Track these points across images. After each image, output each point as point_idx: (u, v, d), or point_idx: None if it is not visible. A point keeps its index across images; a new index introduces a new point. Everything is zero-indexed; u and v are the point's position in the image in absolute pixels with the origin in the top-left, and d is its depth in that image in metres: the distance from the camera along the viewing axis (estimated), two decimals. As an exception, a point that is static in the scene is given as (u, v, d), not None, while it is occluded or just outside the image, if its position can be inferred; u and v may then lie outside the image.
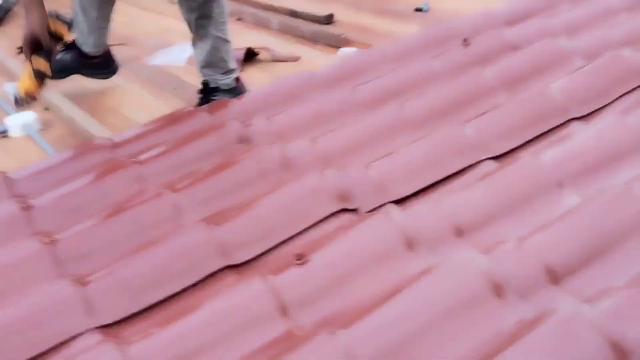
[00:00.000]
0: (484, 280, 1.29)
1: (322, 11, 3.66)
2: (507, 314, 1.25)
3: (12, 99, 3.04)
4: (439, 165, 1.78)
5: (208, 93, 2.67)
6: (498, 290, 1.28)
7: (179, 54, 3.24)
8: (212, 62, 2.62)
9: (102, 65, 2.83)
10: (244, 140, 2.10)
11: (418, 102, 2.12)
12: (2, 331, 1.42)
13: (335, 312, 1.35)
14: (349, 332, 1.25)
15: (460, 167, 1.76)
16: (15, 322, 1.44)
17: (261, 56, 3.35)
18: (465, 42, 2.51)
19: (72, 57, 2.75)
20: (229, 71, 2.67)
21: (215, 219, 1.66)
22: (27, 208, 1.91)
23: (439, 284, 1.31)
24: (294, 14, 3.82)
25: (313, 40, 3.48)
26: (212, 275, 1.54)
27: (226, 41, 2.63)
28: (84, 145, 2.29)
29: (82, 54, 2.73)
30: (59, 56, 2.74)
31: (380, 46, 2.64)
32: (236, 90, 2.66)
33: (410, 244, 1.49)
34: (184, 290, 1.51)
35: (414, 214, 1.56)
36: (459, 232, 1.50)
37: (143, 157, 2.08)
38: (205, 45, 2.59)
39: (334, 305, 1.38)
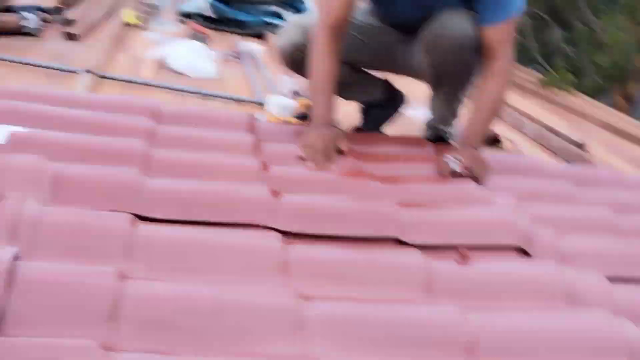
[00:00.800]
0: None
1: (577, 138, 3.76)
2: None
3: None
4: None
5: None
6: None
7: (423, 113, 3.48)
8: None
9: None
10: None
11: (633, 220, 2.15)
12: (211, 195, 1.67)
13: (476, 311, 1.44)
14: (480, 318, 1.33)
15: None
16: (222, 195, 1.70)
17: (504, 145, 3.49)
18: None
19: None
20: None
21: (406, 205, 1.82)
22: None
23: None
24: (550, 129, 3.94)
25: (557, 153, 3.57)
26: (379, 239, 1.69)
27: None
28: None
29: None
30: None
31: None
32: None
33: (567, 296, 1.54)
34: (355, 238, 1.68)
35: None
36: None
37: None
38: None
39: (476, 305, 1.47)
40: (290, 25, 2.73)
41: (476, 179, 2.25)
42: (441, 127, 2.86)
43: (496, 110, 2.46)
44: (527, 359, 1.30)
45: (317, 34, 2.40)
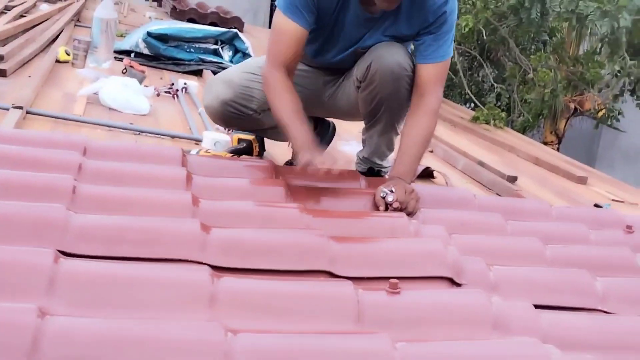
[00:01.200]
0: None
1: (507, 172, 3.84)
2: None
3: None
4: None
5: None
6: None
7: (356, 147, 3.52)
8: None
9: None
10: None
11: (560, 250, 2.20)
12: (138, 230, 1.64)
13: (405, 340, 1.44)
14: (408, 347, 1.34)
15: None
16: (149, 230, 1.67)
17: (436, 180, 3.54)
18: (629, 229, 2.56)
19: None
20: None
21: (337, 238, 1.82)
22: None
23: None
24: (481, 163, 4.02)
25: (488, 187, 3.64)
26: (312, 271, 1.68)
27: None
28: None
29: None
30: None
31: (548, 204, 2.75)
32: None
33: (495, 325, 1.55)
34: (285, 271, 1.67)
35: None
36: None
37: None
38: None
39: (405, 334, 1.47)
40: (215, 82, 2.74)
41: (409, 212, 2.27)
42: (376, 160, 2.89)
43: (426, 145, 2.51)
44: (455, 387, 1.30)
45: (269, 74, 2.42)
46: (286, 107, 2.38)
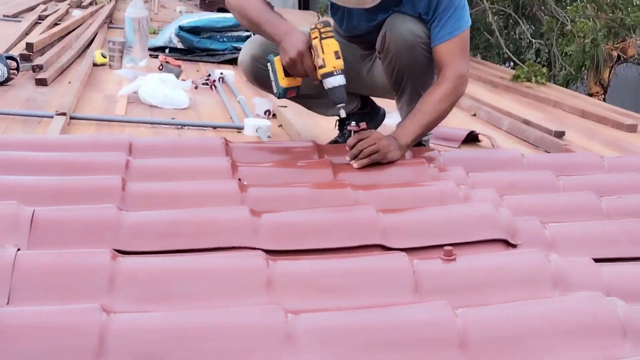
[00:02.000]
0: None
1: (554, 128, 3.78)
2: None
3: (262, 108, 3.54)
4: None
5: None
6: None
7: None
8: None
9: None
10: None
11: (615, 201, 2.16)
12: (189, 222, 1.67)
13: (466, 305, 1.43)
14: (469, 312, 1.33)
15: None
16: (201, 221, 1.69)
17: (482, 142, 3.50)
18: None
19: None
20: None
21: (387, 211, 1.81)
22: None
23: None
24: (526, 122, 3.96)
25: (535, 144, 3.59)
26: (365, 246, 1.69)
27: None
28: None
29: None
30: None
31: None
32: None
33: (555, 283, 1.54)
34: (338, 248, 1.67)
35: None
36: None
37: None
38: None
39: (465, 300, 1.46)
40: (249, 41, 2.75)
41: (364, 155, 2.23)
42: None
43: (437, 115, 2.43)
44: (521, 347, 1.29)
45: None
46: (256, 5, 2.37)
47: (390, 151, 2.27)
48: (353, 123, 2.31)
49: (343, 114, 2.32)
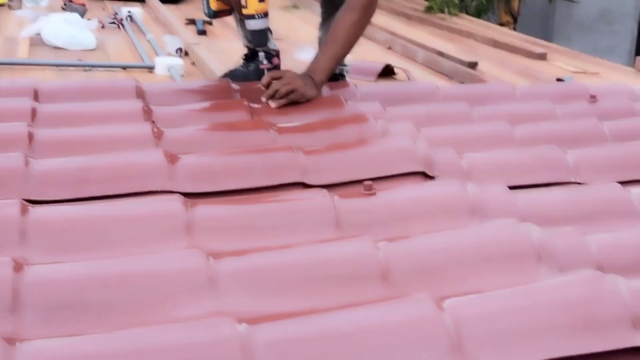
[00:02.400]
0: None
1: (467, 59, 3.82)
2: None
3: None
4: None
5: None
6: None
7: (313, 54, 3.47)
8: None
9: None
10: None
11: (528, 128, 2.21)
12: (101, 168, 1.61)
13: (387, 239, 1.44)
14: (390, 245, 1.34)
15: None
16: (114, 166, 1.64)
17: (398, 75, 3.51)
18: (593, 99, 2.57)
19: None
20: None
21: (306, 150, 1.80)
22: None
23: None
24: (440, 53, 3.99)
25: (450, 76, 3.62)
26: (285, 185, 1.67)
27: None
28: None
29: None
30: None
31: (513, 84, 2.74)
32: None
33: (473, 212, 1.57)
34: (257, 189, 1.65)
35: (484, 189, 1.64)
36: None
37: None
38: None
39: (386, 233, 1.47)
40: None
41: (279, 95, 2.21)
42: None
43: (348, 45, 2.41)
44: (441, 276, 1.31)
45: None
46: None
47: (306, 90, 2.24)
48: (265, 61, 2.27)
49: (262, 58, 2.27)
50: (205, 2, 2.38)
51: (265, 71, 2.27)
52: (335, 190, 1.65)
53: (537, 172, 1.89)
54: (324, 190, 1.60)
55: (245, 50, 2.84)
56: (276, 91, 2.21)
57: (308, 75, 2.31)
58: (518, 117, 2.32)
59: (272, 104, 2.20)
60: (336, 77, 2.85)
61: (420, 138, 1.97)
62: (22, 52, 3.39)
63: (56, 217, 1.43)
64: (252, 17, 2.21)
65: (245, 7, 2.21)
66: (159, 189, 1.60)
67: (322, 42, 2.85)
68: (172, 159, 1.68)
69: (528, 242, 1.39)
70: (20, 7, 4.42)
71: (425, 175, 1.78)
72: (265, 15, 2.23)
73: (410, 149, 1.81)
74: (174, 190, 1.60)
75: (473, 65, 3.77)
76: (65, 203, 1.53)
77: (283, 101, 2.21)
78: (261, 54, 2.26)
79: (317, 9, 3.46)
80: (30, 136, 1.80)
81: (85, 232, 1.40)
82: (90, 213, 1.46)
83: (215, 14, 2.38)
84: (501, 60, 4.19)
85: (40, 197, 1.54)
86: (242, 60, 2.86)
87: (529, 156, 1.94)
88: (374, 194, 1.57)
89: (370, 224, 1.51)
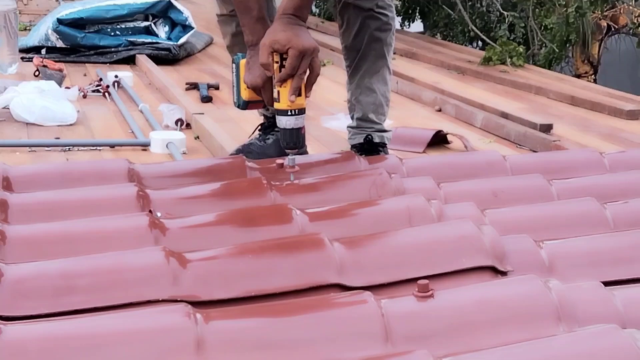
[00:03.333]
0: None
1: (539, 121, 3.85)
2: None
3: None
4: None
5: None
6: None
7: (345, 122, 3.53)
8: None
9: None
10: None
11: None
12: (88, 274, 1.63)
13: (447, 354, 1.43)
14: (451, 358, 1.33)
15: None
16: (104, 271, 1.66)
17: (452, 144, 3.54)
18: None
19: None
20: None
21: (343, 241, 1.81)
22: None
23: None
24: (504, 115, 4.02)
25: (518, 142, 3.64)
26: (318, 288, 1.68)
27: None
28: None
29: None
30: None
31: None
32: None
33: (559, 317, 1.55)
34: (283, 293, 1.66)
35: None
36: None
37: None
38: None
39: (448, 347, 1.46)
40: None
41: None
42: (372, 118, 2.89)
43: None
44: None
45: None
46: None
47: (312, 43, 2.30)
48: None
49: (291, 161, 2.31)
50: (235, 91, 2.47)
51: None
52: (382, 292, 1.65)
53: (637, 262, 1.87)
54: (368, 293, 1.59)
55: (261, 119, 2.90)
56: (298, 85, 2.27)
57: (293, 20, 2.33)
58: (609, 192, 2.32)
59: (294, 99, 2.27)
60: (375, 147, 2.89)
61: (486, 222, 1.96)
62: (-13, 131, 3.48)
63: (34, 336, 1.44)
64: (284, 113, 2.27)
65: (278, 100, 2.27)
66: (161, 298, 1.60)
67: (352, 106, 2.91)
68: (176, 258, 1.69)
69: (636, 355, 1.36)
70: (-17, 76, 4.56)
71: (495, 271, 1.77)
72: (301, 112, 2.29)
73: (474, 237, 1.81)
74: (179, 298, 1.60)
75: (547, 128, 3.81)
76: (44, 319, 1.54)
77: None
78: (290, 157, 2.30)
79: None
80: (1, 235, 1.82)
81: (70, 355, 1.40)
82: (76, 331, 1.47)
83: (247, 105, 2.46)
84: (582, 120, 4.22)
85: (14, 313, 1.55)
86: (257, 132, 2.91)
87: (625, 242, 1.93)
88: (432, 295, 1.56)
89: (428, 334, 1.50)
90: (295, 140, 2.29)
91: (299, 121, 2.29)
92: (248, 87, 2.41)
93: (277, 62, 2.27)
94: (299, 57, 2.25)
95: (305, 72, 2.28)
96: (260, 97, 2.43)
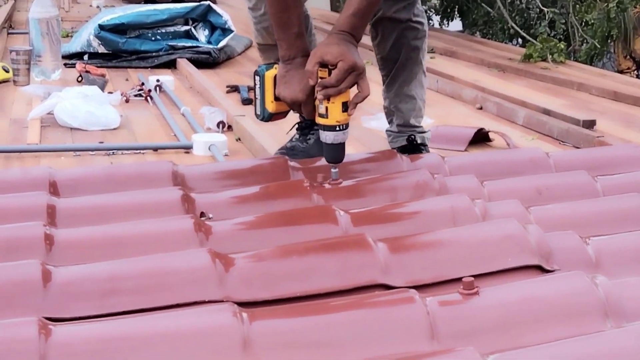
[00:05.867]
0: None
1: (582, 117, 3.82)
2: None
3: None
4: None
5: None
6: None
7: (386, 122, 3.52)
8: None
9: None
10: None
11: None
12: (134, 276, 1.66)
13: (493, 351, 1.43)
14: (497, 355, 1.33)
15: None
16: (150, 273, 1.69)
17: (494, 142, 3.52)
18: None
19: None
20: None
21: (387, 241, 1.81)
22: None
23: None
24: (546, 112, 3.99)
25: (561, 139, 3.62)
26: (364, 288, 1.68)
27: None
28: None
29: None
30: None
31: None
32: None
33: (606, 313, 1.54)
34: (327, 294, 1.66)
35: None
36: None
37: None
38: None
39: (495, 344, 1.46)
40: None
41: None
42: (413, 122, 2.88)
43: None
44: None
45: None
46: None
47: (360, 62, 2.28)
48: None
49: (335, 174, 2.30)
50: (260, 104, 2.44)
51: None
52: (427, 291, 1.65)
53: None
54: (413, 291, 1.59)
55: (296, 117, 2.90)
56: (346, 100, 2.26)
57: (347, 37, 2.33)
58: (656, 187, 2.30)
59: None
60: (417, 147, 2.89)
61: (531, 220, 1.95)
62: (33, 137, 3.52)
63: (82, 337, 1.46)
64: (332, 128, 2.26)
65: (325, 116, 2.26)
66: (207, 299, 1.62)
67: (391, 112, 2.92)
68: (221, 260, 1.70)
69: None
70: (27, 83, 4.61)
71: (541, 269, 1.76)
72: (347, 126, 2.28)
73: (520, 235, 1.80)
74: (224, 299, 1.61)
75: (590, 124, 3.77)
76: (92, 320, 1.56)
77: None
78: (334, 170, 2.30)
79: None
80: (48, 239, 1.85)
81: (117, 355, 1.42)
82: (123, 332, 1.48)
83: (271, 117, 2.45)
84: (625, 116, 4.18)
85: (62, 314, 1.57)
86: (296, 132, 2.92)
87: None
88: (477, 293, 1.56)
89: (474, 332, 1.51)
90: (340, 155, 2.28)
91: (345, 136, 2.28)
92: (281, 100, 2.39)
93: (323, 74, 2.26)
94: (347, 72, 2.23)
95: (350, 87, 2.28)
96: (285, 109, 2.43)
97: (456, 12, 7.86)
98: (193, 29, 5.62)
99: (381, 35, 2.88)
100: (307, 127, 2.87)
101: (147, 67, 5.28)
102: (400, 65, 2.89)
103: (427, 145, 2.95)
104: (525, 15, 7.60)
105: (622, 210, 2.14)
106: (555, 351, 1.40)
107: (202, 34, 5.61)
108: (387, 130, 3.01)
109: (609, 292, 1.58)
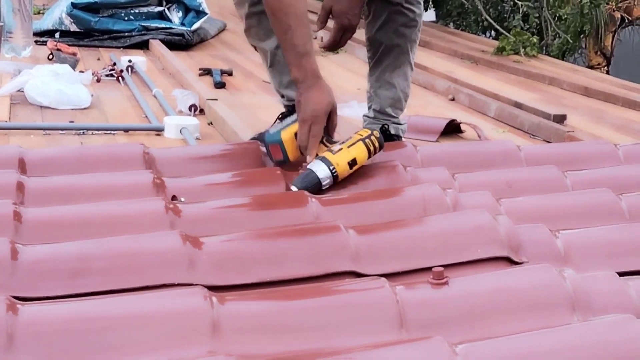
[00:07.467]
0: None
1: (553, 111, 3.85)
2: None
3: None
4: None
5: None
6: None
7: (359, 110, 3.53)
8: None
9: None
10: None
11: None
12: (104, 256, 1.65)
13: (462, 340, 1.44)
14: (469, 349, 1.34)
15: None
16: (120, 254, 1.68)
17: (465, 133, 3.53)
18: None
19: None
20: None
21: (357, 228, 1.81)
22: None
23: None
24: (518, 105, 4.02)
25: (531, 133, 3.64)
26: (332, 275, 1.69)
27: None
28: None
29: None
30: None
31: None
32: None
33: (573, 306, 1.56)
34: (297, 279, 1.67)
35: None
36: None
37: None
38: None
39: (462, 334, 1.47)
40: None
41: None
42: (387, 112, 2.88)
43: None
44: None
45: None
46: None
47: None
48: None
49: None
50: (281, 150, 2.36)
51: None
52: (397, 279, 1.66)
53: (653, 253, 1.88)
54: (383, 279, 1.60)
55: (282, 108, 2.89)
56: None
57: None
58: (623, 183, 2.33)
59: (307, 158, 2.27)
60: (390, 138, 2.89)
61: (501, 212, 1.97)
62: (2, 114, 3.49)
63: (51, 317, 1.45)
64: (329, 164, 2.25)
65: (334, 152, 2.29)
66: (177, 282, 1.62)
67: (371, 98, 2.91)
68: (192, 243, 1.70)
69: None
70: (-3, 59, 4.57)
71: (510, 261, 1.78)
72: (335, 180, 2.27)
73: (490, 227, 1.82)
74: (195, 282, 1.61)
75: (560, 118, 3.80)
76: (61, 300, 1.55)
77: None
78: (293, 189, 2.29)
79: (360, 52, 3.55)
80: (17, 217, 1.83)
81: (86, 335, 1.42)
82: (92, 312, 1.48)
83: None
84: (596, 112, 4.22)
85: (31, 294, 1.56)
86: (277, 121, 2.91)
87: (641, 233, 1.93)
88: (446, 283, 1.57)
89: (442, 321, 1.51)
90: (315, 191, 2.25)
91: (328, 181, 2.25)
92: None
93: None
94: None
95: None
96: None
97: (430, 3, 7.86)
98: (167, 10, 5.59)
99: (372, 15, 2.88)
100: (288, 115, 2.86)
101: (119, 47, 5.25)
102: (385, 50, 2.87)
103: (401, 137, 2.94)
104: (499, 7, 7.63)
105: (591, 205, 2.16)
106: (523, 342, 1.41)
107: (175, 16, 5.59)
108: (364, 115, 3.01)
109: (576, 286, 1.60)
